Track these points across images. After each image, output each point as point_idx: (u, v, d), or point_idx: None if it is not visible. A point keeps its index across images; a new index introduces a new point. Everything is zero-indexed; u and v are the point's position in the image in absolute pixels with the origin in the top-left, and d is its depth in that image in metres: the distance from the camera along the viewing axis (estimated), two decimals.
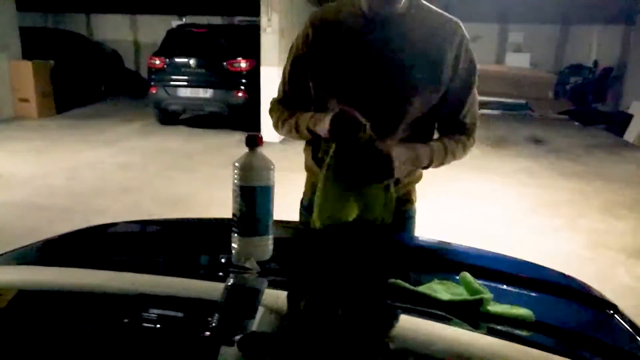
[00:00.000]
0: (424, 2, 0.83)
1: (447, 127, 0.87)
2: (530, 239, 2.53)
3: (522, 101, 6.85)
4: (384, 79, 0.80)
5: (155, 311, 0.56)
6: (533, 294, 0.72)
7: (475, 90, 0.85)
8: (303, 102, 0.88)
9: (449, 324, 0.56)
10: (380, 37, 0.79)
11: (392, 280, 0.60)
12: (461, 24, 0.82)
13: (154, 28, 7.68)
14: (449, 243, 0.89)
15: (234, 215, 0.65)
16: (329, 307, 0.60)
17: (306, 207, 0.95)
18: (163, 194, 3.09)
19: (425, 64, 0.79)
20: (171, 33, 5.42)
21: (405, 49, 0.79)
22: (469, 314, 0.56)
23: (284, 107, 0.90)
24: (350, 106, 0.76)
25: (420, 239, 0.94)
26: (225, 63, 4.89)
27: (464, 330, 0.55)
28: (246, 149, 0.65)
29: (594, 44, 6.97)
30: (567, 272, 0.79)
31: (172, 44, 5.19)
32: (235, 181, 0.64)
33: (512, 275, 0.78)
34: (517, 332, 0.55)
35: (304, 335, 0.53)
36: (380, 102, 0.80)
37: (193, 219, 1.05)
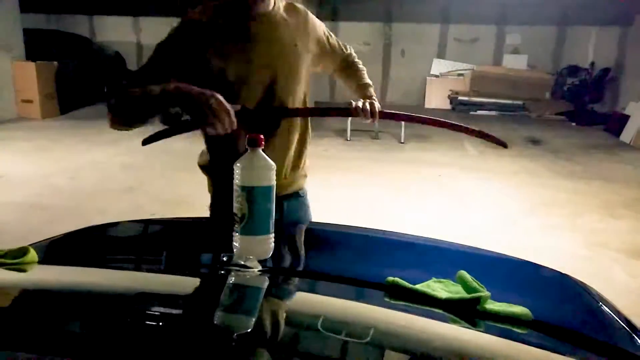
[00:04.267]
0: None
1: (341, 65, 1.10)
2: (529, 238, 2.54)
3: (520, 102, 6.86)
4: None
5: (157, 310, 0.56)
6: (531, 293, 0.72)
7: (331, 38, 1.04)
8: None
9: (448, 323, 0.56)
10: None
11: (390, 278, 0.61)
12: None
13: (157, 30, 7.68)
14: (448, 242, 0.90)
15: (235, 214, 0.66)
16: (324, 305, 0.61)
17: (211, 204, 1.02)
18: (165, 194, 3.10)
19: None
20: None
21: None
22: (466, 312, 0.56)
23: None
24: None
25: (419, 238, 0.95)
26: None
27: (463, 329, 0.56)
28: (247, 150, 0.66)
29: (591, 45, 6.98)
30: (565, 271, 0.80)
31: None
32: (237, 181, 0.65)
33: (511, 274, 0.79)
34: (515, 330, 0.55)
35: (301, 332, 0.54)
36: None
37: (194, 218, 1.06)
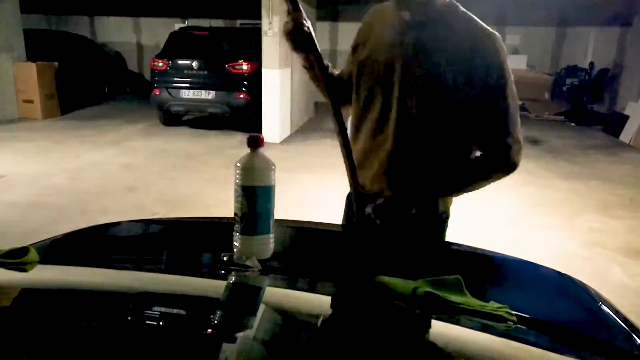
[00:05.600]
0: (463, 11, 0.85)
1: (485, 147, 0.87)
2: (528, 238, 2.54)
3: (519, 102, 6.85)
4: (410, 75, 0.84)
5: (158, 309, 0.56)
6: (531, 293, 0.72)
7: (502, 107, 0.83)
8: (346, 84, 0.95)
9: (449, 323, 0.56)
10: (413, 38, 0.83)
11: (379, 277, 0.60)
12: (497, 37, 0.82)
13: (157, 30, 7.71)
14: (448, 242, 0.90)
15: (235, 214, 0.66)
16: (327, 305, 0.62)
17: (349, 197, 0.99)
18: (166, 194, 3.11)
19: (453, 67, 0.81)
20: (174, 35, 5.43)
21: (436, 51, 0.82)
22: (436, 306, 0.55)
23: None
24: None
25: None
26: (227, 65, 4.91)
27: (464, 329, 0.56)
28: (248, 150, 0.66)
29: (590, 45, 6.98)
30: (563, 271, 0.80)
31: (175, 46, 5.20)
32: (237, 181, 0.65)
33: (510, 274, 0.79)
34: (516, 330, 0.55)
35: (303, 334, 0.54)
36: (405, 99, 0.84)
37: (195, 219, 1.06)
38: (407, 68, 0.83)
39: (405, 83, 0.83)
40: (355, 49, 0.93)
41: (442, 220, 0.93)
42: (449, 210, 0.95)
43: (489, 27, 0.83)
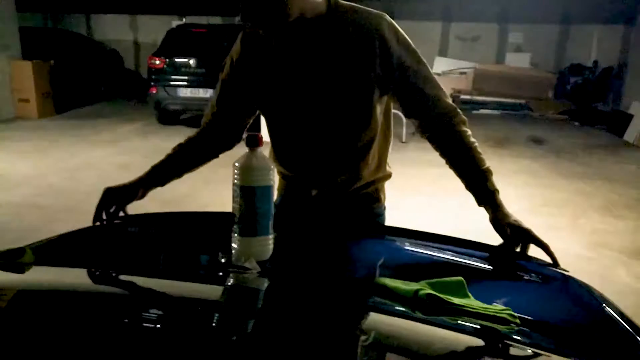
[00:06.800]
0: (345, 3, 0.78)
1: (429, 126, 0.84)
2: None
3: (522, 101, 6.86)
4: (308, 90, 0.77)
5: (155, 311, 0.56)
6: (534, 294, 0.72)
7: (422, 74, 0.80)
8: (232, 120, 0.89)
9: (452, 326, 0.56)
10: (297, 45, 0.76)
11: (378, 279, 0.60)
12: (385, 17, 0.78)
13: (154, 28, 7.70)
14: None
15: (234, 215, 0.65)
16: (321, 305, 0.60)
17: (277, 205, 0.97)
18: (163, 194, 3.07)
19: (349, 67, 0.75)
20: (171, 33, 5.42)
21: (326, 54, 0.76)
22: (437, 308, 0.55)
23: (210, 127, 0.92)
24: (283, 124, 0.80)
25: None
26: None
27: (464, 330, 0.55)
28: (246, 149, 0.65)
29: (594, 43, 6.98)
30: (567, 272, 0.79)
31: (172, 44, 5.20)
32: (235, 181, 0.64)
33: (512, 274, 0.79)
34: (518, 332, 0.55)
35: (300, 334, 0.53)
36: (311, 114, 0.78)
37: (195, 213, 1.05)
38: (306, 80, 0.76)
39: (310, 92, 0.77)
40: (230, 75, 0.84)
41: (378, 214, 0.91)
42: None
43: (373, 10, 0.78)
